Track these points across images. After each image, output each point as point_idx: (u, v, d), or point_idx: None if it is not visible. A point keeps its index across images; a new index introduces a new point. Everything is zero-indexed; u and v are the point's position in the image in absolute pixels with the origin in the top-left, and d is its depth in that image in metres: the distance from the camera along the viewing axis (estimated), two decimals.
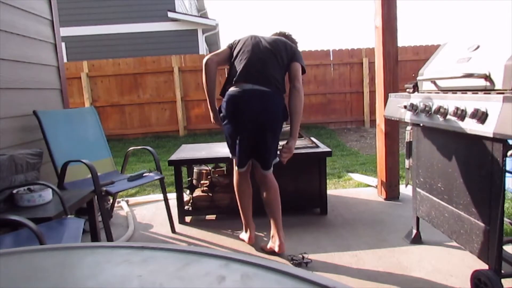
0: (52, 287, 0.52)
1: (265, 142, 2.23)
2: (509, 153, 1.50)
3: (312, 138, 3.23)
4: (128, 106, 8.00)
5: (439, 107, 1.74)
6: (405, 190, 2.88)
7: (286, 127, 2.42)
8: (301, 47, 2.53)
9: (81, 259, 0.61)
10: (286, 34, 2.50)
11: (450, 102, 1.69)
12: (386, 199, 3.27)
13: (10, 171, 1.90)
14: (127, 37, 9.94)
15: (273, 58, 2.23)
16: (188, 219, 2.96)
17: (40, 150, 2.15)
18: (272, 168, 2.31)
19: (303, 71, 2.29)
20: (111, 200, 3.07)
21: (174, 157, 2.89)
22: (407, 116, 2.07)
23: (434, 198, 2.06)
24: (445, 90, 1.89)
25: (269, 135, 2.22)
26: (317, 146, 2.98)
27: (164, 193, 2.76)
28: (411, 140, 2.28)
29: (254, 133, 2.21)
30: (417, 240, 2.35)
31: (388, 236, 2.49)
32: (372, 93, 7.47)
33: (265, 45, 2.26)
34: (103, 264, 0.59)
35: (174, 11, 10.09)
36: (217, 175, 2.99)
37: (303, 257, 2.20)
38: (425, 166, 2.14)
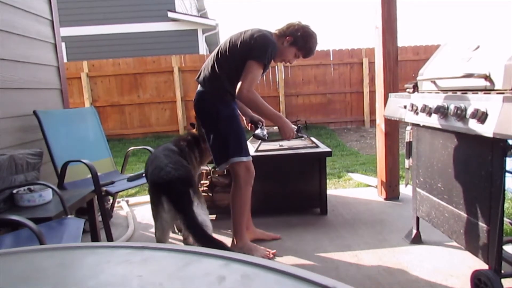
0: (52, 287, 0.52)
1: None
2: (509, 153, 1.50)
3: (312, 138, 3.23)
4: (128, 106, 8.00)
5: (439, 107, 1.74)
6: (405, 190, 2.87)
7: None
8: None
9: (81, 259, 0.61)
10: (294, 23, 2.19)
11: (450, 102, 1.68)
12: (386, 199, 3.27)
13: (10, 171, 1.90)
14: (127, 37, 9.95)
15: (213, 56, 2.17)
16: None
17: (40, 150, 2.15)
18: (225, 166, 2.22)
19: (264, 66, 2.06)
20: (111, 200, 3.07)
21: None
22: (407, 116, 2.07)
23: (434, 198, 2.06)
24: (445, 90, 1.89)
25: (206, 134, 2.22)
26: (317, 146, 2.98)
27: None
28: (411, 140, 2.28)
29: None
30: (417, 240, 2.35)
31: (388, 236, 2.49)
32: (372, 93, 7.47)
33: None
34: (103, 264, 0.59)
35: (174, 11, 10.09)
36: (217, 175, 2.98)
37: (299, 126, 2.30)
38: (425, 166, 2.13)
